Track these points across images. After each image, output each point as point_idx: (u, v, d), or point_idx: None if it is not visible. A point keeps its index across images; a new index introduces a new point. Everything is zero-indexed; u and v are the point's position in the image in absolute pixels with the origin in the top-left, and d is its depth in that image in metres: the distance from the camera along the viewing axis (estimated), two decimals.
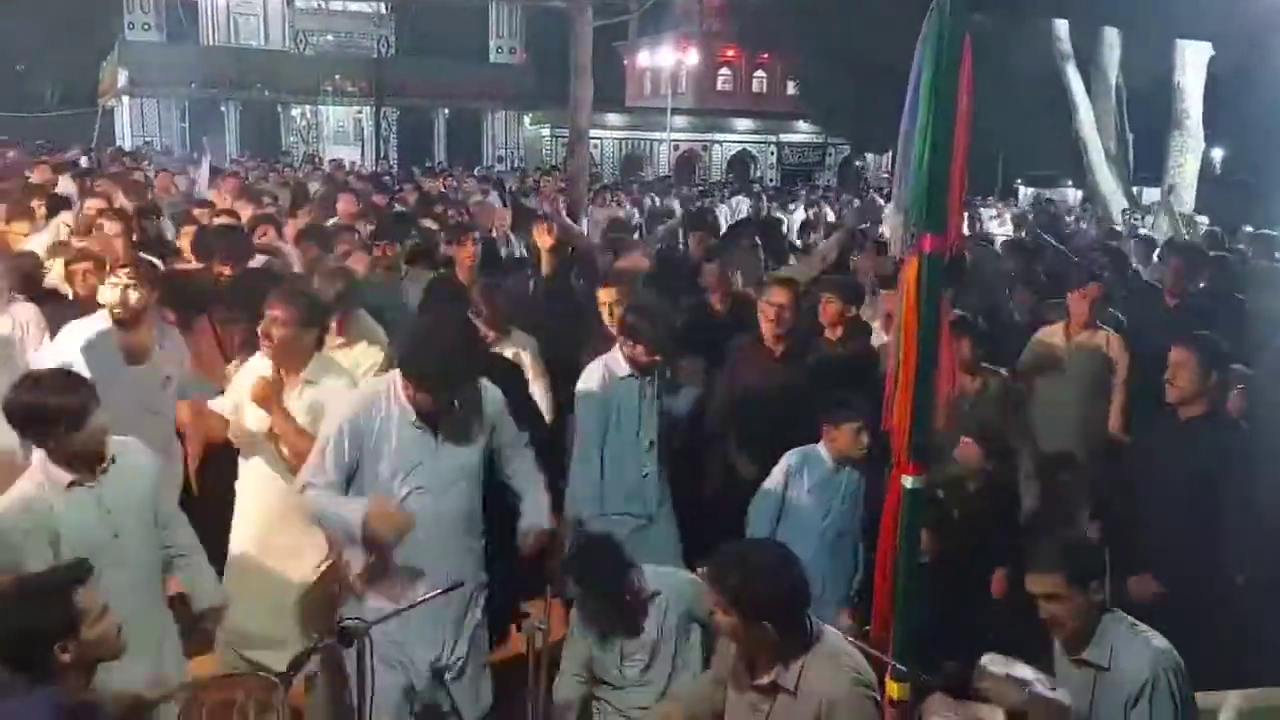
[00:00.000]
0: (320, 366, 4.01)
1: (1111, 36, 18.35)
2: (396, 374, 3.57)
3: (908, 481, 3.31)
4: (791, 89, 38.53)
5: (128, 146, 28.20)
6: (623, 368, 4.48)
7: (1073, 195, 23.23)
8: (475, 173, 22.63)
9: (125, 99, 32.65)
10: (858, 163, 37.27)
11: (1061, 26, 18.18)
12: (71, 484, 3.18)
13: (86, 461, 3.18)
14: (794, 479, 4.28)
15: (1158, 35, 16.11)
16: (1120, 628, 2.99)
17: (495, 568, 3.81)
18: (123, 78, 32.14)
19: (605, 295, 5.19)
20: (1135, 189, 19.81)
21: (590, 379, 4.52)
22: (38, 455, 3.21)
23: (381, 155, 30.72)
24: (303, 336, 3.92)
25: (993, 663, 2.61)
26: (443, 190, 15.30)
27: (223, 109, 33.09)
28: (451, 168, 24.61)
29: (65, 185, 10.49)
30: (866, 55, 23.84)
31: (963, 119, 3.21)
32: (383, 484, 3.52)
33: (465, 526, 3.65)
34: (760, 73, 43.17)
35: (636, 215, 13.08)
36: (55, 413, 3.08)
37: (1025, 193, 24.23)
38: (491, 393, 3.72)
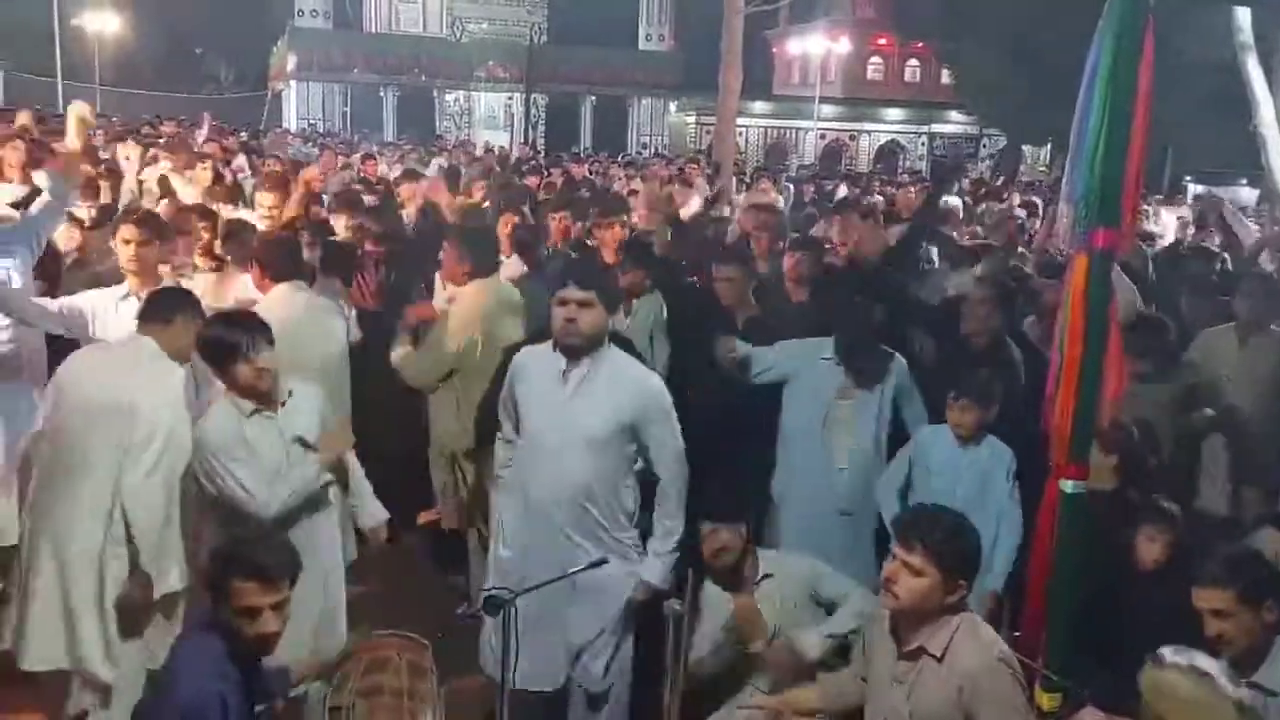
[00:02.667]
0: None
1: None
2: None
3: (1067, 486, 3.20)
4: (946, 78, 37.44)
5: (293, 128, 29.57)
6: None
7: (1246, 194, 21.86)
8: (619, 159, 22.81)
9: (293, 83, 34.19)
10: (985, 157, 35.96)
11: (1243, 15, 17.08)
12: (254, 412, 3.48)
13: (260, 394, 3.47)
14: (921, 455, 4.24)
15: None
16: None
17: None
18: (291, 62, 33.68)
19: None
20: None
21: None
22: (220, 384, 3.57)
23: (528, 140, 31.30)
24: None
25: (1175, 652, 2.47)
26: (587, 175, 15.50)
27: (381, 94, 34.32)
28: (597, 153, 24.87)
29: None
30: (1027, 43, 22.98)
31: (1141, 108, 3.07)
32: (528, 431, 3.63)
33: (584, 498, 3.55)
34: (914, 61, 42.11)
35: (780, 203, 12.92)
36: (229, 346, 3.40)
37: (1194, 190, 22.91)
38: (642, 381, 3.65)
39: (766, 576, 3.68)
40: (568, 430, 3.52)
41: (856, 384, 4.38)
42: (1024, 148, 32.88)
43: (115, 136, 12.79)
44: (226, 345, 3.39)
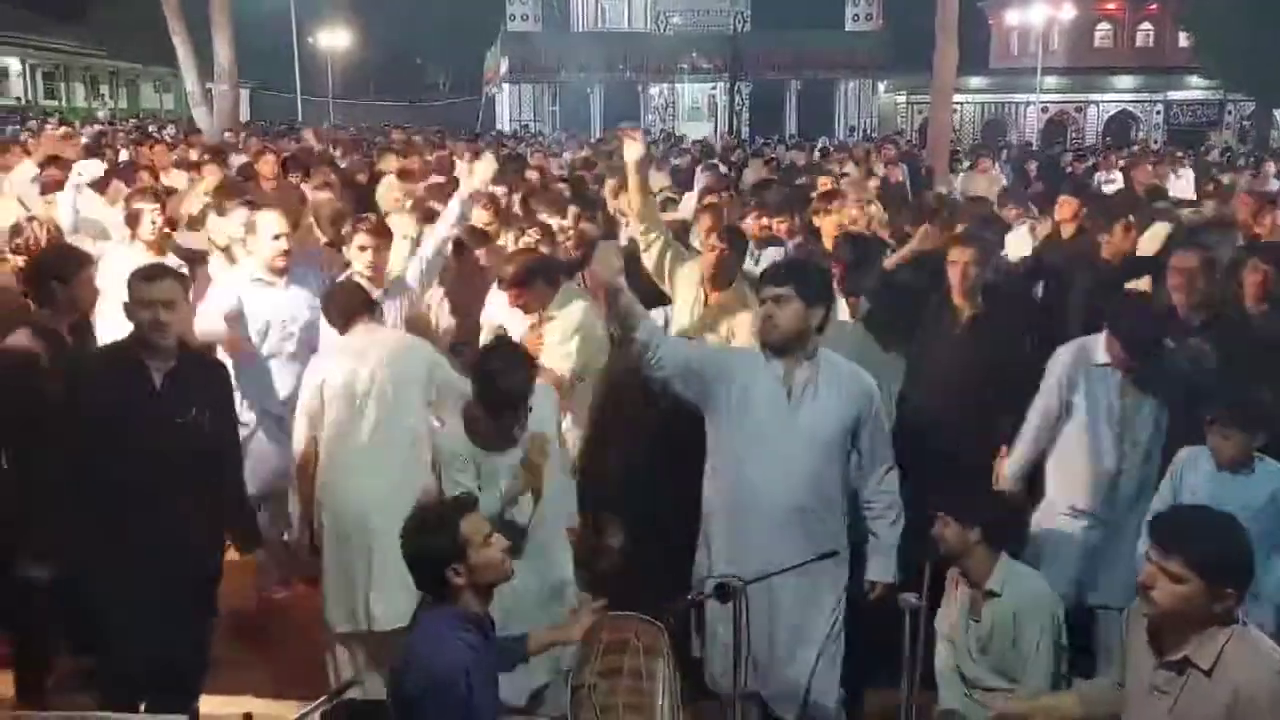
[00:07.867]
0: None
1: None
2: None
3: None
4: (1183, 41, 34.71)
5: (506, 130, 30.73)
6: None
7: None
8: (820, 144, 22.36)
9: (505, 85, 35.54)
10: (1234, 121, 32.91)
11: None
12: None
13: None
14: (1181, 479, 3.75)
15: None
16: None
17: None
18: (504, 66, 35.04)
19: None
20: None
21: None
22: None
23: (732, 130, 31.24)
24: None
25: None
26: (809, 161, 15.19)
27: (589, 91, 35.13)
28: (804, 139, 24.51)
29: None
30: None
31: None
32: (727, 435, 3.51)
33: (813, 498, 3.49)
34: (1146, 24, 39.27)
35: (1002, 182, 12.33)
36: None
37: None
38: (865, 384, 3.57)
39: (990, 594, 3.51)
40: (793, 435, 3.46)
41: (1134, 383, 3.95)
42: (1276, 112, 30.06)
43: (349, 147, 13.68)
44: None
